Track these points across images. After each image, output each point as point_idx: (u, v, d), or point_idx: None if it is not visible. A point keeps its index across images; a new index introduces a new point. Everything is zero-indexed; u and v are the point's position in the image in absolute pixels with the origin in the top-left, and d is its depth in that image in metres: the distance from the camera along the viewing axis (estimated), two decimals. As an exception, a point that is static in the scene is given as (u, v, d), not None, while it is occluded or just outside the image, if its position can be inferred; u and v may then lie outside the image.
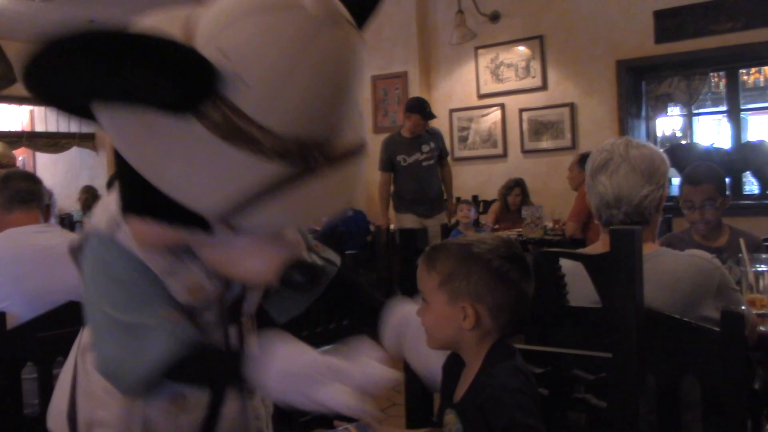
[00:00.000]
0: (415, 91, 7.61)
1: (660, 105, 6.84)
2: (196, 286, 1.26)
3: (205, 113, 1.01)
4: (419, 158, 6.07)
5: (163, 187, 1.05)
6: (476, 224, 6.44)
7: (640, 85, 6.88)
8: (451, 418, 1.28)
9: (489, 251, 1.25)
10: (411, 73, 7.65)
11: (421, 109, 6.07)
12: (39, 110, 9.45)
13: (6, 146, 4.21)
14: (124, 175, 1.14)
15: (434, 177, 6.16)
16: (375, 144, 7.81)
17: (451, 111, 7.64)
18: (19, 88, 8.32)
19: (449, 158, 6.70)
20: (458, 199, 6.72)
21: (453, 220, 6.43)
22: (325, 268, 1.27)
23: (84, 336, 1.35)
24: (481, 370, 1.27)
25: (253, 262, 1.18)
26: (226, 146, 1.01)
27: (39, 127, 9.63)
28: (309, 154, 1.05)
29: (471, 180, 7.50)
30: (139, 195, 1.12)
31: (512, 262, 1.26)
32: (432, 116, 6.19)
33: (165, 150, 1.04)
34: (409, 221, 5.98)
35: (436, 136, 6.24)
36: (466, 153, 7.62)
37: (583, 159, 5.76)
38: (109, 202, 1.27)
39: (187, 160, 1.03)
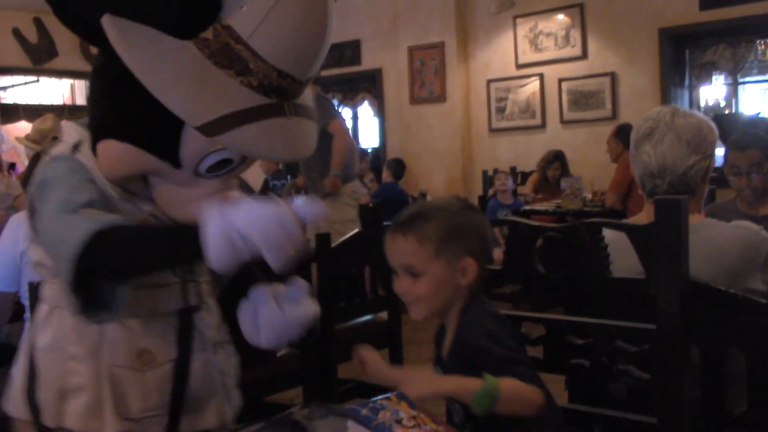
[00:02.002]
0: (452, 61, 7.54)
1: (704, 74, 6.69)
2: (146, 221, 1.29)
3: (203, 39, 1.15)
4: None
5: (155, 92, 1.14)
6: (514, 194, 6.39)
7: (683, 53, 6.72)
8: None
9: (462, 209, 1.36)
10: (448, 44, 7.57)
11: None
12: (80, 84, 9.57)
13: (55, 120, 4.26)
14: (104, 99, 1.24)
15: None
16: (412, 116, 7.78)
17: (489, 81, 7.55)
18: (60, 62, 8.44)
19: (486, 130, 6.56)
20: (495, 170, 6.67)
21: (491, 191, 6.39)
22: None
23: (38, 314, 1.37)
24: (460, 324, 1.34)
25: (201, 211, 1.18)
26: (215, 69, 1.15)
27: (80, 101, 9.77)
28: (284, 92, 1.19)
29: (509, 151, 7.44)
30: (118, 117, 1.22)
31: (475, 210, 1.39)
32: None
33: (164, 61, 1.15)
34: None
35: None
36: (504, 124, 7.54)
37: (620, 131, 5.66)
38: (69, 133, 1.33)
39: (181, 73, 1.15)
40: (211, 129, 1.14)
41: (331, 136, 5.09)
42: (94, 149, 1.26)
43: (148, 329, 1.32)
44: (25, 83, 9.31)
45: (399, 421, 1.09)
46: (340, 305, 2.70)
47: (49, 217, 1.21)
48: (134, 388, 1.31)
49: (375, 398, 1.16)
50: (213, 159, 1.22)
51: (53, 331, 1.34)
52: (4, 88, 9.17)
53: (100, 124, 1.25)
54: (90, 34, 1.20)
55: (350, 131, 5.37)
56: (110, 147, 1.23)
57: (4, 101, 8.90)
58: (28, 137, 4.29)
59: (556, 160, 6.38)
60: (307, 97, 1.31)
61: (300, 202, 1.13)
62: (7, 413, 1.39)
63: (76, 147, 1.30)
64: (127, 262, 1.18)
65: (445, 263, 1.32)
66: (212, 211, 1.08)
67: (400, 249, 1.33)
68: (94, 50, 1.29)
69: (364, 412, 1.11)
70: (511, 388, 1.21)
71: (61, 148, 1.31)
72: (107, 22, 1.15)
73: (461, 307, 1.35)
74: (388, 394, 1.18)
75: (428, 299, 1.33)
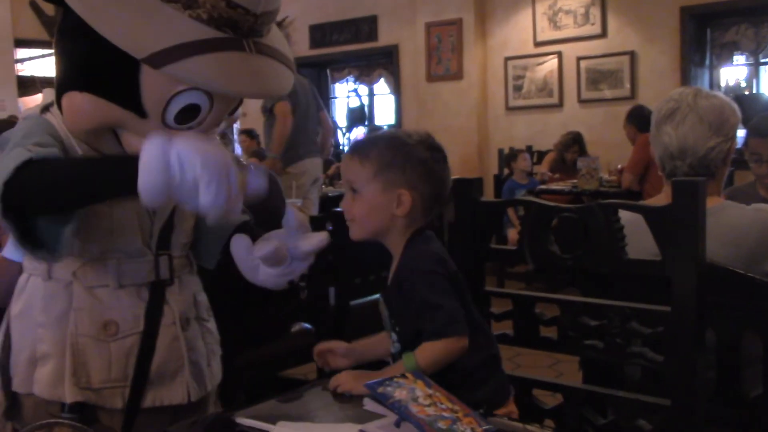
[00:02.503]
0: (469, 38, 7.48)
1: (725, 53, 6.60)
2: None
3: None
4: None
5: (100, 29, 1.14)
6: (530, 175, 6.36)
7: (704, 32, 6.63)
8: (381, 305, 1.41)
9: (419, 143, 1.37)
10: (466, 20, 7.49)
11: None
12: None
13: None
14: (63, 53, 1.26)
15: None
16: (429, 93, 7.74)
17: (506, 59, 7.49)
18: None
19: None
20: (512, 149, 6.63)
21: (506, 171, 6.36)
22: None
23: (19, 283, 1.38)
24: (401, 259, 1.38)
25: None
26: (161, 3, 1.16)
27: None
28: (238, 26, 1.19)
29: (525, 130, 7.39)
30: (84, 71, 1.23)
31: (437, 151, 1.39)
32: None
33: (110, 1, 1.17)
34: None
35: None
36: (521, 102, 7.49)
37: (631, 113, 5.61)
38: (45, 97, 1.35)
39: (126, 9, 1.16)
40: (159, 59, 1.13)
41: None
42: (60, 107, 1.27)
43: (116, 300, 1.32)
44: (42, 56, 9.32)
45: (415, 399, 1.09)
46: (355, 282, 2.71)
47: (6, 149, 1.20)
48: (97, 358, 1.30)
49: (391, 376, 1.17)
50: (178, 104, 1.20)
51: (25, 298, 1.35)
52: (21, 61, 9.18)
53: (61, 79, 1.26)
54: None
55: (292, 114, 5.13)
56: (71, 99, 1.24)
57: (21, 74, 8.93)
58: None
59: (574, 143, 6.32)
60: (276, 39, 1.30)
61: (253, 166, 1.15)
62: None
63: (46, 107, 1.32)
64: (57, 188, 1.14)
65: (381, 188, 1.35)
66: (155, 139, 1.06)
67: (346, 166, 1.40)
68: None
69: (381, 389, 1.12)
70: (429, 358, 1.28)
71: (31, 110, 1.34)
72: None
73: (405, 239, 1.38)
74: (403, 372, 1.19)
75: (362, 220, 1.38)
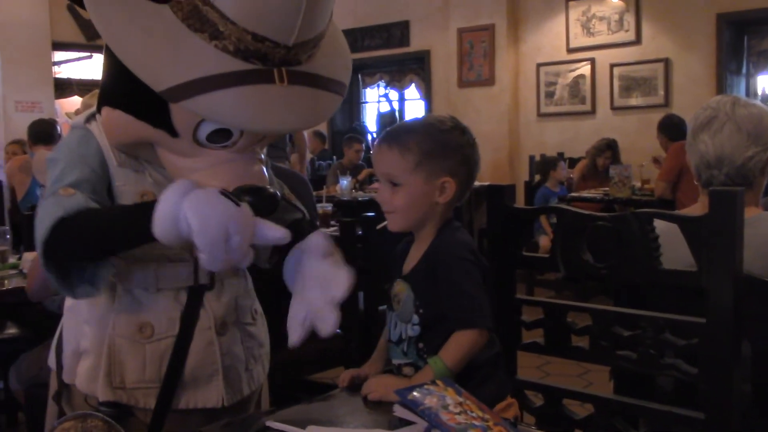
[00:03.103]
0: (502, 44, 7.45)
1: (762, 61, 6.50)
2: (148, 193, 1.29)
3: (176, 1, 1.12)
4: None
5: (121, 57, 1.13)
6: (562, 183, 6.31)
7: (741, 39, 6.54)
8: (401, 287, 1.38)
9: (452, 128, 1.36)
10: (498, 26, 7.48)
11: None
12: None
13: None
14: (105, 67, 1.26)
15: None
16: (460, 99, 7.72)
17: (539, 65, 7.45)
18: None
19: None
20: (543, 155, 6.59)
21: (537, 177, 6.32)
22: (275, 196, 1.21)
23: None
24: (434, 242, 1.36)
25: (212, 181, 1.17)
26: (189, 32, 1.12)
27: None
28: (267, 57, 1.13)
29: (556, 136, 7.34)
30: (117, 87, 1.24)
31: (468, 135, 1.38)
32: None
33: (135, 25, 1.14)
34: None
35: None
36: (552, 109, 7.44)
37: (662, 124, 5.55)
38: (93, 104, 1.36)
39: (150, 37, 1.13)
40: (175, 94, 1.11)
41: None
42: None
43: (153, 303, 1.33)
44: (79, 59, 9.48)
45: (445, 407, 1.08)
46: (384, 287, 2.71)
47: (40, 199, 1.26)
48: (132, 359, 1.32)
49: (422, 383, 1.16)
50: (208, 127, 1.18)
51: None
52: (58, 63, 9.34)
53: (101, 92, 1.29)
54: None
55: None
56: (107, 114, 1.25)
57: (58, 76, 9.08)
58: (77, 112, 4.39)
59: (608, 149, 6.25)
60: (328, 60, 1.23)
61: (264, 224, 1.10)
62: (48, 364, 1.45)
63: (92, 116, 1.33)
64: (88, 244, 1.19)
65: (424, 178, 1.33)
66: (173, 189, 1.08)
67: (383, 158, 1.36)
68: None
69: (411, 396, 1.11)
70: (456, 354, 1.28)
71: (78, 119, 1.35)
72: None
73: (437, 225, 1.37)
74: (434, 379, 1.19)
75: (404, 211, 1.35)
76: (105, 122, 1.27)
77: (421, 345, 1.34)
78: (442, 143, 1.34)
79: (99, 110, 1.29)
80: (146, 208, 1.10)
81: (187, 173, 1.22)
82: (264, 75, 1.13)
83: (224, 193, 1.09)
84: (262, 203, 1.16)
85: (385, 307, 1.49)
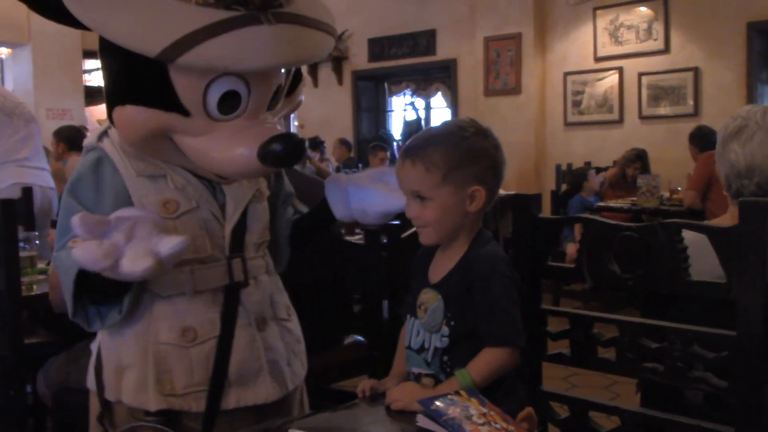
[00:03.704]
0: (529, 53, 7.43)
1: (794, 70, 6.40)
2: (170, 200, 1.31)
3: None
4: None
5: (111, 37, 1.18)
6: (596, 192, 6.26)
7: (772, 48, 6.45)
8: (430, 296, 1.35)
9: (475, 134, 1.33)
10: (525, 35, 7.45)
11: None
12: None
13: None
14: (106, 69, 1.31)
15: None
16: (486, 108, 7.71)
17: (566, 74, 7.41)
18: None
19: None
20: (569, 165, 6.54)
21: (563, 187, 6.27)
22: (303, 141, 1.27)
23: None
24: (469, 254, 1.34)
25: (236, 149, 1.23)
26: None
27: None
28: (248, 1, 1.17)
29: (584, 146, 7.29)
30: (120, 84, 1.27)
31: (491, 137, 1.36)
32: None
33: (116, 8, 1.18)
34: None
35: None
36: (579, 118, 7.40)
37: (693, 135, 5.49)
38: (100, 127, 1.40)
39: (133, 12, 1.18)
40: (172, 53, 1.14)
41: None
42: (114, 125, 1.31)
43: (193, 306, 1.34)
44: (107, 66, 9.59)
45: (469, 417, 1.08)
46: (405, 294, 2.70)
47: (55, 248, 1.32)
48: (179, 364, 1.33)
49: (445, 393, 1.15)
50: (215, 94, 1.21)
51: None
52: (89, 71, 9.48)
53: (107, 97, 1.31)
54: (64, 16, 1.21)
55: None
56: (118, 114, 1.27)
57: (88, 84, 9.21)
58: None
59: (638, 159, 6.18)
60: (307, 6, 1.27)
61: (162, 239, 1.11)
62: (85, 385, 1.45)
63: (105, 132, 1.36)
64: (110, 286, 1.23)
65: (452, 190, 1.32)
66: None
67: (408, 175, 1.34)
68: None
69: (434, 406, 1.11)
70: (484, 370, 1.27)
71: (90, 138, 1.38)
72: None
73: (469, 235, 1.36)
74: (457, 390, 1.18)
75: (437, 224, 1.34)
76: (119, 122, 1.28)
77: (446, 358, 1.32)
78: (467, 152, 1.32)
79: (110, 117, 1.30)
80: None
81: (208, 152, 1.26)
82: (250, 18, 1.18)
83: None
84: (292, 147, 1.21)
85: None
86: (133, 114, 1.25)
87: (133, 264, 1.07)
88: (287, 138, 1.22)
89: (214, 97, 1.22)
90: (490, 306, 1.28)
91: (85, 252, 1.06)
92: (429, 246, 1.40)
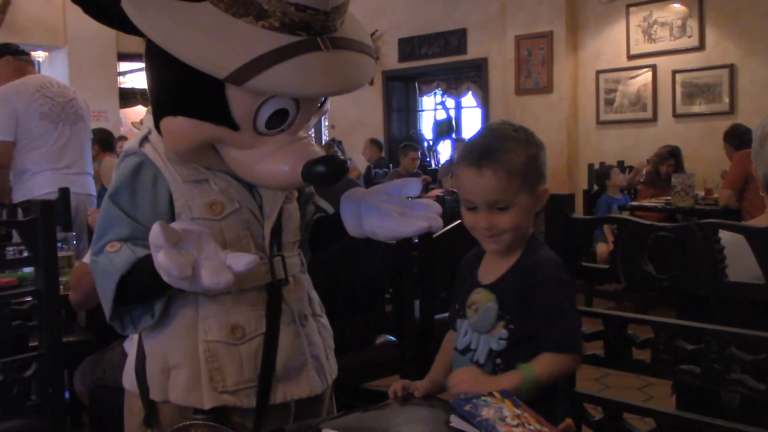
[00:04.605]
0: (560, 51, 7.37)
1: (833, 66, 6.28)
2: (216, 202, 1.34)
3: None
4: None
5: (181, 57, 1.19)
6: (622, 191, 6.20)
7: (811, 44, 6.33)
8: (484, 296, 1.34)
9: (520, 132, 1.34)
10: (557, 33, 7.40)
11: None
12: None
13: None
14: (154, 81, 1.32)
15: None
16: (517, 107, 7.66)
17: (598, 72, 7.35)
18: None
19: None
20: (602, 164, 6.48)
21: (595, 187, 6.22)
22: (345, 161, 1.29)
23: None
24: (525, 256, 1.34)
25: (279, 164, 1.27)
26: (235, 20, 1.19)
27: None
28: (310, 26, 1.20)
29: (616, 144, 7.22)
30: (173, 95, 1.28)
31: (529, 133, 1.36)
32: None
33: (183, 25, 1.20)
34: None
35: None
36: (612, 116, 7.32)
37: (729, 134, 5.42)
38: (146, 123, 1.42)
39: (201, 31, 1.20)
40: (239, 77, 1.16)
41: None
42: (160, 132, 1.33)
43: (239, 304, 1.36)
44: (143, 68, 9.72)
45: (503, 419, 1.07)
46: (440, 295, 2.70)
47: (91, 251, 1.35)
48: (230, 361, 1.35)
49: (479, 395, 1.15)
50: (266, 111, 1.24)
51: None
52: (123, 74, 9.61)
53: (155, 105, 1.32)
54: (118, 22, 1.26)
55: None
56: (167, 125, 1.29)
57: (122, 86, 9.33)
58: (141, 122, 4.50)
59: (671, 156, 6.09)
60: (353, 30, 1.31)
61: (228, 255, 1.17)
62: (123, 386, 1.47)
63: (145, 137, 1.38)
64: (151, 290, 1.30)
65: (529, 193, 1.32)
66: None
67: (484, 185, 1.30)
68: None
69: (468, 407, 1.11)
70: (547, 371, 1.26)
71: (130, 142, 1.40)
72: (126, 4, 1.22)
73: (525, 236, 1.36)
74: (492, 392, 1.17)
75: (514, 230, 1.33)
76: (168, 132, 1.30)
77: (498, 361, 1.31)
78: (528, 152, 1.33)
79: (157, 125, 1.32)
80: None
81: (252, 165, 1.29)
82: (311, 44, 1.21)
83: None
84: (335, 169, 1.25)
85: (445, 316, 1.48)
86: (183, 125, 1.27)
87: (214, 277, 1.14)
88: (331, 161, 1.26)
89: (264, 115, 1.24)
90: (553, 312, 1.28)
91: (171, 260, 1.11)
92: (477, 250, 1.41)
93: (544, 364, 1.27)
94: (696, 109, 6.79)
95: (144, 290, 1.30)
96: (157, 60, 1.28)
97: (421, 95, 9.47)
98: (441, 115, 9.59)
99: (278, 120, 1.26)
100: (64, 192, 3.51)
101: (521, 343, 1.30)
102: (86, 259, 1.94)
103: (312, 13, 1.20)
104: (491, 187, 1.30)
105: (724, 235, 1.46)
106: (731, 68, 6.54)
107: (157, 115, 1.31)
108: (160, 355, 1.38)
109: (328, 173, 1.24)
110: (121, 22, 1.24)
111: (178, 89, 1.27)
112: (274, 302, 1.39)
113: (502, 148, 1.32)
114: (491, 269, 1.37)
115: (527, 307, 1.29)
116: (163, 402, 1.38)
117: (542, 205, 1.36)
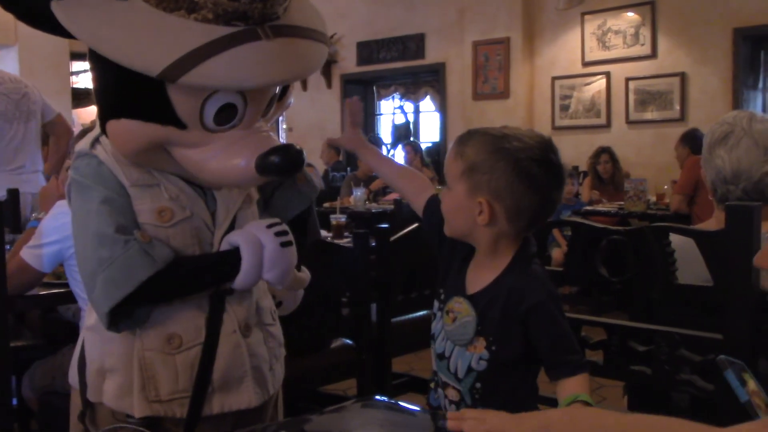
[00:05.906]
0: (517, 57, 7.46)
1: (779, 76, 6.46)
2: (165, 209, 1.30)
3: None
4: None
5: (112, 56, 1.16)
6: (576, 195, 6.28)
7: (758, 54, 6.50)
8: (464, 309, 1.29)
9: (521, 149, 1.22)
10: (514, 39, 7.48)
11: None
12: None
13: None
14: (98, 82, 1.28)
15: None
16: (474, 111, 7.73)
17: (554, 79, 7.45)
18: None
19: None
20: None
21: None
22: (301, 152, 1.24)
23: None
24: (509, 272, 1.27)
25: (233, 159, 1.23)
26: (166, 15, 1.15)
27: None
28: (248, 15, 1.16)
29: (571, 150, 7.30)
30: (115, 97, 1.25)
31: (543, 165, 1.23)
32: None
33: (113, 24, 1.17)
34: None
35: None
36: (567, 122, 7.43)
37: (686, 136, 5.52)
38: (97, 125, 1.37)
39: (132, 29, 1.16)
40: (173, 73, 1.12)
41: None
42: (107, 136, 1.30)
43: (178, 313, 1.34)
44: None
45: None
46: (397, 299, 2.70)
47: (82, 251, 1.29)
48: (164, 371, 1.32)
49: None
50: (212, 107, 1.20)
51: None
52: (76, 73, 9.42)
53: (100, 108, 1.29)
54: (52, 26, 1.21)
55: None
56: (112, 127, 1.26)
57: (75, 86, 9.15)
58: (92, 122, 4.39)
59: (603, 152, 6.15)
60: (301, 16, 1.26)
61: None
62: (69, 383, 1.45)
63: (97, 139, 1.33)
64: (183, 292, 1.33)
65: (465, 189, 1.25)
66: (250, 248, 1.28)
67: (449, 154, 1.30)
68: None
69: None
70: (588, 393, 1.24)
71: (82, 144, 1.35)
72: (55, 7, 1.18)
73: (511, 250, 1.27)
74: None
75: (447, 217, 1.31)
76: (113, 135, 1.26)
77: (478, 385, 1.27)
78: (494, 160, 1.23)
79: (103, 128, 1.28)
80: (232, 260, 1.29)
81: (205, 163, 1.25)
82: (249, 34, 1.16)
83: (284, 243, 1.30)
84: (291, 159, 1.21)
85: (402, 318, 1.46)
86: (128, 127, 1.23)
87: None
88: (285, 150, 1.21)
89: (211, 111, 1.21)
90: (556, 336, 1.24)
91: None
92: (466, 255, 1.35)
93: (582, 387, 1.23)
94: (648, 115, 6.93)
95: (178, 287, 1.30)
96: (98, 62, 1.24)
97: (380, 99, 9.48)
98: (399, 119, 9.61)
99: (228, 115, 1.22)
100: (13, 193, 3.43)
101: (502, 367, 1.26)
102: (24, 254, 1.91)
103: (246, 2, 1.15)
104: (448, 158, 1.30)
105: (675, 240, 1.49)
106: (682, 76, 6.68)
107: (102, 117, 1.28)
108: (97, 357, 1.36)
109: (282, 163, 1.20)
110: (55, 26, 1.20)
111: (120, 90, 1.23)
112: (216, 312, 1.36)
113: (477, 135, 1.28)
114: (477, 278, 1.31)
115: (511, 332, 1.25)
116: (98, 403, 1.37)
117: (485, 221, 1.24)
